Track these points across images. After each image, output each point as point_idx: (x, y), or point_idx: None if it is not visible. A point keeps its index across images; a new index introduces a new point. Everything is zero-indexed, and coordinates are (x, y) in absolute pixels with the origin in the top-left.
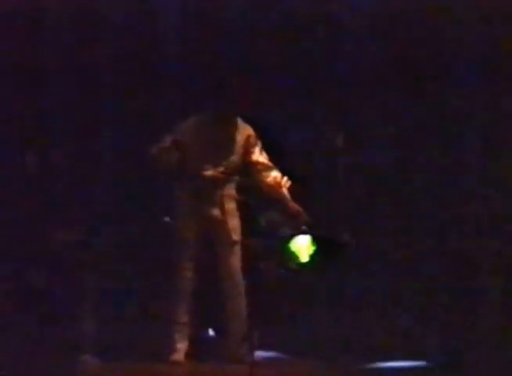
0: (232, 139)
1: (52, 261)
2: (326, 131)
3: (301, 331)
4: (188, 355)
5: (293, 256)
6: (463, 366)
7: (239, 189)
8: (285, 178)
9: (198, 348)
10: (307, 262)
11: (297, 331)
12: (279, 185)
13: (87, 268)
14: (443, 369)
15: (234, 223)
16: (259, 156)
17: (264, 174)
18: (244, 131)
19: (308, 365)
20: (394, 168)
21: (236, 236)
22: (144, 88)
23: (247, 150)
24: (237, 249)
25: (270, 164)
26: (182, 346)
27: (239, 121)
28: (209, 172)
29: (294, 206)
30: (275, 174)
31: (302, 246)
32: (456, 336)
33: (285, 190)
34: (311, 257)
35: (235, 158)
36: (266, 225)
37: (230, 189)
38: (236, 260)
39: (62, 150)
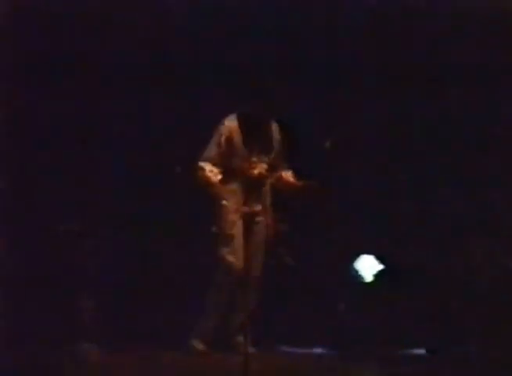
0: (270, 138)
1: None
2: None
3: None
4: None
5: (357, 275)
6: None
7: None
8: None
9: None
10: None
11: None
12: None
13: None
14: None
15: (270, 218)
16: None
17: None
18: (277, 130)
19: (303, 356)
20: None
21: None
22: (183, 86)
23: (279, 149)
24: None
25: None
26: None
27: (273, 121)
28: (256, 171)
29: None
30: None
31: (367, 266)
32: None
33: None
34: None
35: (274, 156)
36: None
37: (267, 186)
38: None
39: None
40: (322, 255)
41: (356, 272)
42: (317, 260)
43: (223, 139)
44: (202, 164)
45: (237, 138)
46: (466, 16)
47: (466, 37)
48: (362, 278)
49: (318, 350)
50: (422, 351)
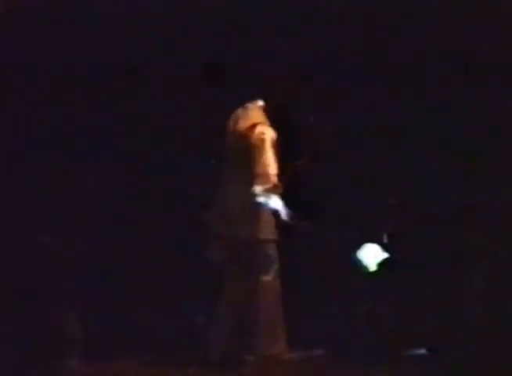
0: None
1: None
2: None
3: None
4: None
5: (361, 264)
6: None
7: None
8: None
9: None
10: (375, 272)
11: None
12: None
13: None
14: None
15: None
16: None
17: None
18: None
19: (302, 358)
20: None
21: None
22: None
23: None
24: None
25: None
26: None
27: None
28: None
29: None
30: None
31: (370, 254)
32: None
33: None
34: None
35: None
36: None
37: None
38: None
39: None
40: (322, 256)
41: (359, 261)
42: (317, 261)
43: (273, 143)
44: (273, 171)
45: (275, 141)
46: (466, 15)
47: (465, 35)
48: (366, 267)
49: (318, 352)
50: (423, 351)
